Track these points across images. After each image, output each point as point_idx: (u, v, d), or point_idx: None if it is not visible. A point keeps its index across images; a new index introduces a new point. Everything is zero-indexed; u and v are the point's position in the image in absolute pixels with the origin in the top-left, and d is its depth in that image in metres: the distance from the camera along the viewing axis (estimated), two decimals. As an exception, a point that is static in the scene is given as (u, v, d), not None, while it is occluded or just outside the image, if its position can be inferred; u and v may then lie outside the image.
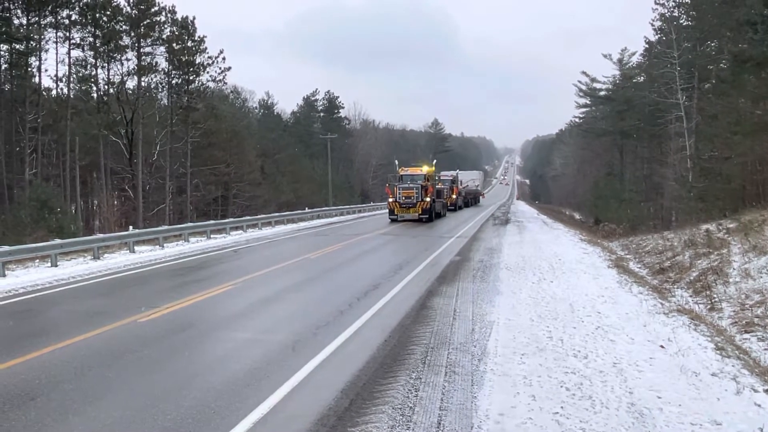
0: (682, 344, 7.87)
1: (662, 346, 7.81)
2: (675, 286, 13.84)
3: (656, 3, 43.20)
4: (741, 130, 24.31)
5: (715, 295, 11.72)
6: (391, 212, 33.81)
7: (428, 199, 32.86)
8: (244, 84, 75.41)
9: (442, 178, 46.42)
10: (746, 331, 9.47)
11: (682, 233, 20.24)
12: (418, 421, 5.37)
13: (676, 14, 42.72)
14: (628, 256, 20.03)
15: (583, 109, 76.91)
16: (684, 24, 41.06)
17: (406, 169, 37.17)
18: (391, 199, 34.14)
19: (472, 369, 6.88)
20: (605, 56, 62.41)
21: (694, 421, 5.42)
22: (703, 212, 24.92)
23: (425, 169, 36.35)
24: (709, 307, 11.29)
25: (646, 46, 49.60)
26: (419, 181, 33.87)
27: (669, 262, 16.71)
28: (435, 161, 41.97)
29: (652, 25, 44.89)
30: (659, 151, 46.56)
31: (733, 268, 13.34)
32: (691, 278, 13.98)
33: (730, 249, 15.01)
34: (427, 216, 32.58)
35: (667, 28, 40.42)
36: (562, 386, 6.27)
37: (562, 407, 5.68)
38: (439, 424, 5.34)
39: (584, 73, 69.86)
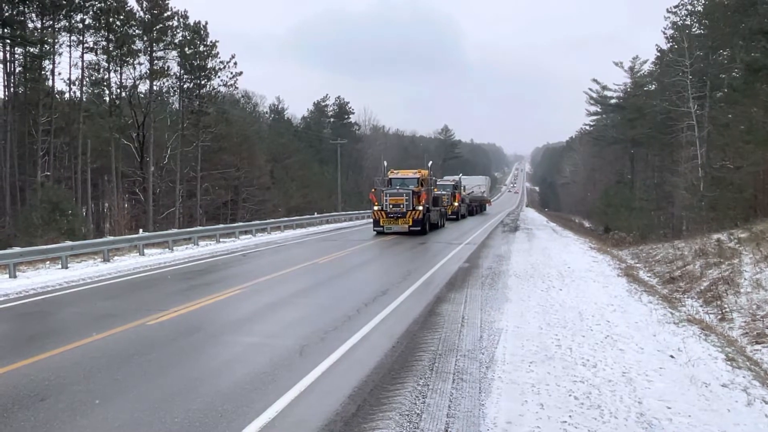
0: (692, 354, 7.81)
1: (672, 356, 7.75)
2: (685, 296, 13.74)
3: (668, 11, 43.20)
4: (753, 139, 24.17)
5: (725, 306, 11.63)
6: (376, 223, 28.96)
7: (420, 208, 28.20)
8: (247, 89, 75.15)
9: (442, 183, 43.28)
10: (757, 342, 9.39)
11: (692, 242, 20.11)
12: (426, 428, 5.35)
13: (688, 23, 42.66)
14: (638, 265, 19.91)
15: (594, 117, 77.00)
16: (696, 32, 40.97)
17: (396, 171, 32.48)
18: (376, 207, 29.08)
19: (480, 376, 6.85)
20: (616, 64, 62.47)
21: (704, 433, 5.38)
22: (714, 222, 24.77)
23: (419, 172, 31.73)
24: (719, 317, 11.20)
25: (658, 54, 49.56)
26: (411, 185, 29.37)
27: (679, 271, 16.60)
28: (431, 162, 37.31)
29: (664, 33, 44.92)
30: (670, 160, 46.37)
31: (745, 279, 13.23)
32: (702, 288, 13.88)
33: (741, 259, 14.89)
34: (419, 228, 28.03)
35: (679, 36, 40.35)
36: (570, 395, 6.23)
37: (570, 416, 5.65)
38: (447, 431, 5.32)
39: (595, 80, 69.93)
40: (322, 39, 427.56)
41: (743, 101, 27.11)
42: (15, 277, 14.72)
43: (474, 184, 58.32)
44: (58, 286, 13.52)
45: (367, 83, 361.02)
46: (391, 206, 28.32)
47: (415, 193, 28.53)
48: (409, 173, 31.58)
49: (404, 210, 28.11)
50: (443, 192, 39.54)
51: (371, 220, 30.03)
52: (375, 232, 28.81)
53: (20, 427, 5.33)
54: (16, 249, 15.80)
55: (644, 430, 5.39)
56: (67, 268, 16.34)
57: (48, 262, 17.15)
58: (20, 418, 5.51)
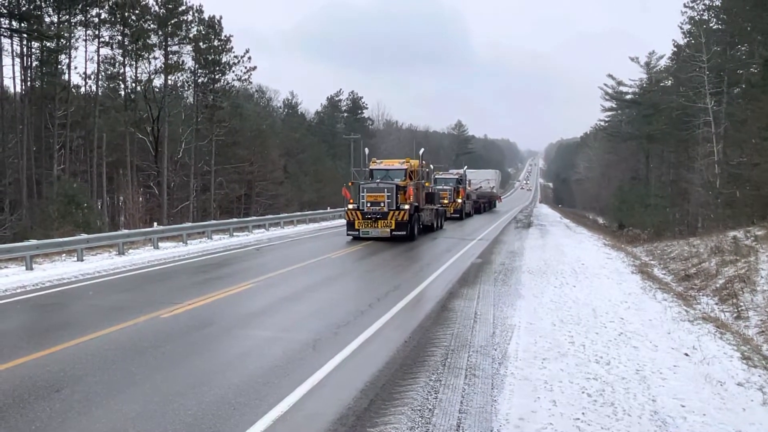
0: (707, 352, 7.74)
1: (687, 354, 7.69)
2: (700, 294, 13.63)
3: (686, 6, 42.69)
4: (771, 136, 23.90)
5: (741, 304, 11.52)
6: (350, 225, 23.00)
7: (406, 207, 22.28)
8: (260, 83, 75.06)
9: (444, 177, 39.39)
10: (774, 341, 9.29)
11: (708, 240, 19.94)
12: (438, 424, 5.35)
13: (705, 17, 42.15)
14: (652, 262, 19.78)
15: (609, 113, 76.18)
16: (714, 27, 40.47)
17: (379, 161, 26.61)
18: (351, 206, 23.05)
19: (492, 372, 6.84)
20: (632, 59, 61.56)
21: None
22: (731, 219, 24.54)
23: (407, 161, 25.61)
24: (735, 315, 11.10)
25: (675, 49, 48.93)
26: (396, 179, 23.63)
27: (694, 268, 16.47)
28: (422, 150, 29.29)
29: (681, 28, 44.38)
30: (686, 156, 45.87)
31: (761, 277, 13.10)
32: (717, 286, 13.76)
33: (758, 257, 14.75)
34: (403, 232, 22.18)
35: (697, 31, 39.87)
36: (583, 392, 6.20)
37: (583, 413, 5.62)
38: (459, 426, 5.31)
39: (610, 76, 69.11)
40: (330, 34, 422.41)
41: (761, 97, 26.78)
42: (32, 269, 14.87)
43: (482, 179, 52.72)
44: (74, 279, 13.65)
45: (379, 79, 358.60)
46: (368, 204, 22.47)
47: (401, 188, 22.88)
48: (395, 163, 25.85)
49: (385, 209, 22.26)
50: (444, 187, 36.36)
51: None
52: (350, 237, 23.08)
53: (36, 417, 5.39)
54: (33, 241, 15.95)
55: (658, 429, 5.35)
56: (82, 260, 16.48)
57: (64, 255, 17.31)
58: (36, 409, 5.57)
